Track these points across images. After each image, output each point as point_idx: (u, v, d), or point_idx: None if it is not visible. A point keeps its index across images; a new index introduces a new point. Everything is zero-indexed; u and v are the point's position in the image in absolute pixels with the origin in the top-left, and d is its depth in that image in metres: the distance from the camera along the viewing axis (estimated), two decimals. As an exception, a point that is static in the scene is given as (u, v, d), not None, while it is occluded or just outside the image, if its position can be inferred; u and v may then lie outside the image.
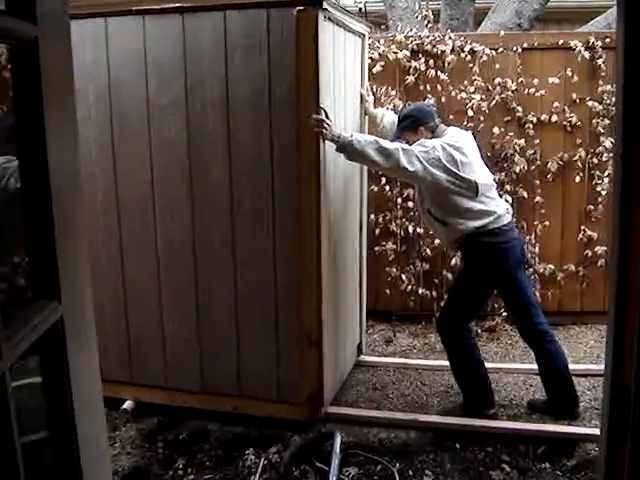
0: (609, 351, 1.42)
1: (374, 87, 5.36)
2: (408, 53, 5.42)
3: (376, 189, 5.58)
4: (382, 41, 5.46)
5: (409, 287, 5.69)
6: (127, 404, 4.39)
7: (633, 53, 1.27)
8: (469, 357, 4.28)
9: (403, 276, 5.69)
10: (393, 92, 5.46)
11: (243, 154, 3.88)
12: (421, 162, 3.87)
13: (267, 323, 4.05)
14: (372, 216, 5.63)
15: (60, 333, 1.24)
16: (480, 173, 4.10)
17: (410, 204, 5.60)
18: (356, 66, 4.69)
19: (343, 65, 4.33)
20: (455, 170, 3.94)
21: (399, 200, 5.62)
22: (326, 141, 3.82)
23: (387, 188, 5.59)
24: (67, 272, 1.26)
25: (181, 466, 3.91)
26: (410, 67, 5.43)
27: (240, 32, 3.73)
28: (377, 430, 4.16)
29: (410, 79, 5.44)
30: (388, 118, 4.72)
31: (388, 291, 5.67)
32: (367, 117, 4.90)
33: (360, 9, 6.85)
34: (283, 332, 4.05)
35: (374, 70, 5.39)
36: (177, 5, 3.75)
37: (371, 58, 5.38)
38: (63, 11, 1.35)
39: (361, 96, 4.83)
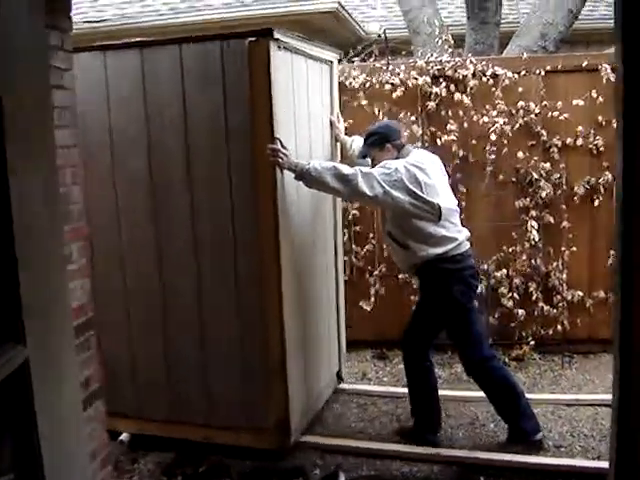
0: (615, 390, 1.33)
1: (391, 113, 5.33)
2: (429, 79, 5.37)
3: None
4: (403, 67, 5.41)
5: (434, 315, 5.56)
6: (123, 436, 4.37)
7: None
8: (422, 380, 4.27)
9: (427, 304, 5.56)
10: (413, 117, 5.40)
11: (203, 182, 3.95)
12: (382, 185, 3.82)
13: (233, 350, 4.05)
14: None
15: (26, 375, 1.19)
16: (444, 197, 4.05)
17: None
18: (324, 93, 4.71)
19: (306, 93, 4.35)
20: (418, 192, 3.89)
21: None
22: (284, 170, 3.84)
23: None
24: (34, 316, 1.21)
25: (200, 500, 3.84)
26: (431, 92, 5.38)
27: (196, 65, 3.83)
28: (400, 464, 4.05)
29: (431, 105, 5.38)
30: (358, 143, 4.61)
31: (412, 320, 5.55)
32: (338, 144, 4.89)
33: (379, 35, 6.82)
34: (249, 359, 4.04)
35: (394, 96, 5.35)
36: (137, 40, 3.96)
37: (391, 84, 5.36)
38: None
39: (331, 123, 4.82)
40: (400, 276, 5.57)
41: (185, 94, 3.88)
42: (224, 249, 3.95)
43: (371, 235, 5.69)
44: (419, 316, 4.25)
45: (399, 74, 5.39)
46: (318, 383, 4.68)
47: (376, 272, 5.71)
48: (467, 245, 4.11)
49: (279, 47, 3.80)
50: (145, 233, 4.09)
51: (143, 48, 3.91)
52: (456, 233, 4.05)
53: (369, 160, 4.24)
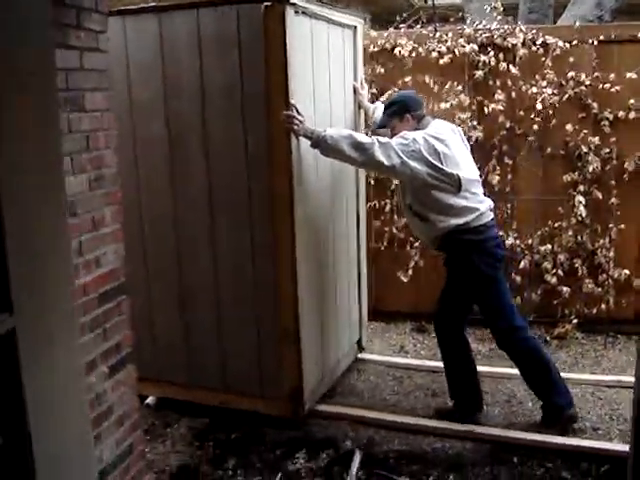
0: None
1: (439, 81, 5.20)
2: (476, 47, 5.20)
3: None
4: (450, 34, 5.25)
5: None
6: (150, 399, 4.44)
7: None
8: (459, 360, 4.22)
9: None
10: (459, 87, 5.24)
11: (218, 148, 3.94)
12: (399, 156, 3.75)
13: (247, 316, 4.06)
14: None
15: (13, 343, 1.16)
16: (464, 167, 3.95)
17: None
18: (347, 59, 4.63)
19: (327, 59, 4.28)
20: (437, 163, 3.80)
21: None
22: (300, 137, 3.80)
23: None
24: (23, 285, 1.17)
25: (231, 466, 3.85)
26: (479, 61, 5.21)
27: (212, 29, 3.78)
28: (432, 439, 4.01)
29: (479, 74, 5.22)
30: (380, 111, 4.50)
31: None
32: (362, 110, 4.82)
33: (425, 0, 6.63)
34: (263, 326, 4.05)
35: (441, 63, 5.20)
36: (154, 5, 3.95)
37: (438, 52, 5.20)
38: None
39: (355, 89, 4.73)
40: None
41: (202, 60, 3.84)
42: (240, 213, 3.96)
43: (412, 207, 5.58)
44: (448, 292, 4.18)
45: (446, 42, 5.23)
46: (337, 351, 4.66)
47: (417, 244, 5.62)
48: (490, 215, 4.02)
49: (296, 12, 3.73)
50: (162, 204, 4.12)
51: (161, 13, 3.89)
52: (477, 203, 3.96)
53: (388, 131, 4.14)
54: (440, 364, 4.80)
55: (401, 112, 4.07)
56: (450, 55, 5.22)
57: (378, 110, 4.60)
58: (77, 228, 2.83)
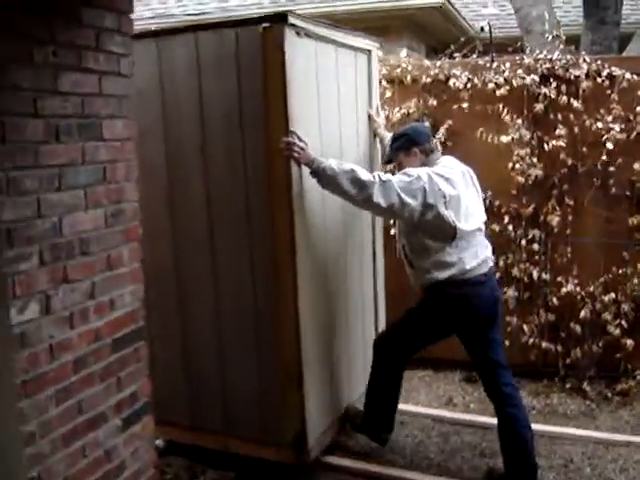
0: None
1: (495, 114, 4.88)
2: (537, 78, 4.85)
3: (497, 228, 5.03)
4: (508, 64, 4.92)
5: (531, 339, 5.07)
6: (158, 442, 4.01)
7: None
8: (389, 386, 4.00)
9: (525, 327, 5.08)
10: (519, 120, 4.90)
11: (218, 175, 3.73)
12: (399, 195, 3.47)
13: (248, 360, 3.82)
14: (491, 258, 5.08)
15: None
16: (466, 215, 3.64)
17: (536, 246, 5.02)
18: (360, 85, 4.38)
19: (336, 84, 4.05)
20: (437, 206, 3.51)
21: (523, 242, 5.03)
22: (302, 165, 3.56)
23: (510, 228, 5.03)
24: None
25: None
26: (539, 94, 4.86)
27: (211, 54, 3.62)
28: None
29: (539, 107, 4.86)
30: None
31: (507, 342, 5.05)
32: (377, 139, 4.54)
33: (482, 28, 6.33)
34: (264, 369, 3.80)
35: (497, 94, 4.88)
36: (152, 30, 3.81)
37: (495, 83, 4.88)
38: None
39: (369, 117, 4.46)
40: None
41: (201, 86, 3.67)
42: (240, 251, 3.72)
43: (466, 247, 5.23)
44: (410, 325, 3.89)
45: (504, 72, 4.89)
46: (350, 393, 4.35)
47: (469, 287, 5.25)
48: (483, 269, 3.69)
49: (298, 34, 3.51)
50: (161, 215, 3.89)
51: (159, 37, 3.74)
52: (469, 257, 3.63)
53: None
54: (492, 420, 4.44)
55: (408, 146, 3.79)
56: (508, 87, 4.88)
57: None
58: (89, 268, 2.60)
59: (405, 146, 3.80)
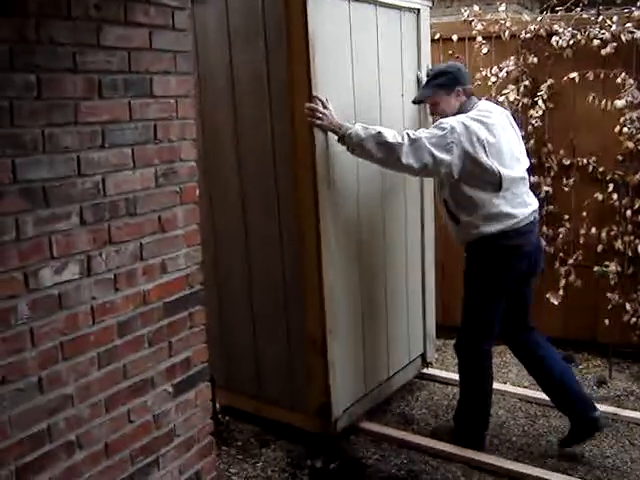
0: None
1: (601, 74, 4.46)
2: (649, 32, 4.40)
3: (600, 197, 4.66)
4: (615, 18, 4.48)
5: (633, 319, 4.68)
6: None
7: None
8: (480, 383, 3.75)
9: (627, 305, 4.69)
10: (631, 80, 4.46)
11: (249, 144, 3.70)
12: (432, 153, 3.30)
13: (278, 324, 3.82)
14: (593, 230, 4.72)
15: None
16: (509, 161, 3.45)
17: (643, 218, 4.62)
18: (406, 46, 4.11)
19: (376, 46, 3.83)
20: (478, 155, 3.33)
21: (628, 213, 4.63)
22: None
23: (614, 197, 4.64)
24: None
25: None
26: (651, 50, 4.41)
27: (239, 17, 3.55)
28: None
29: (651, 65, 4.42)
30: None
31: (607, 321, 4.71)
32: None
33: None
34: (293, 336, 3.79)
35: (603, 53, 4.45)
36: None
37: (601, 39, 4.45)
38: None
39: (418, 80, 4.16)
40: (595, 268, 4.72)
41: (231, 51, 3.62)
42: (269, 209, 3.70)
43: (567, 217, 4.88)
44: (472, 302, 3.67)
45: (611, 27, 4.46)
46: (391, 366, 4.26)
47: (570, 260, 4.90)
48: (530, 219, 3.53)
49: None
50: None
51: (193, 3, 3.60)
52: (517, 208, 3.48)
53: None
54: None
55: (452, 84, 3.59)
56: (615, 43, 4.44)
57: None
58: (137, 229, 2.51)
59: (448, 84, 3.59)
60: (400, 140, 3.32)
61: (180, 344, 2.75)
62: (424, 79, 4.02)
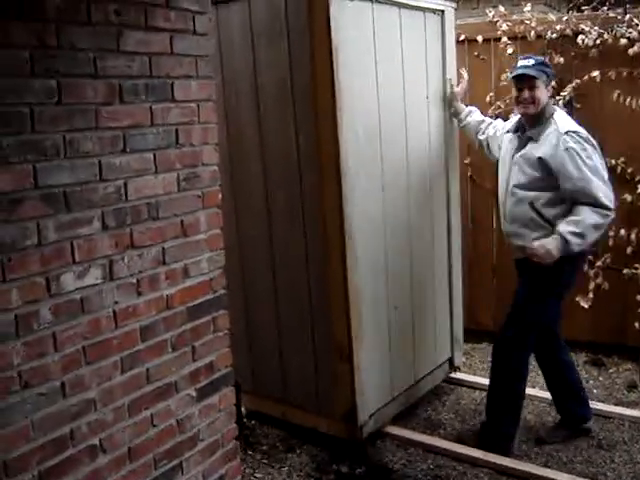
0: None
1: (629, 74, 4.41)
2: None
3: (629, 198, 4.58)
4: (642, 16, 4.41)
5: (664, 321, 4.60)
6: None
7: None
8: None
9: (657, 308, 4.61)
10: (658, 81, 4.40)
11: (273, 149, 3.69)
12: (607, 185, 3.44)
13: (304, 329, 3.80)
14: (622, 231, 4.64)
15: None
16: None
17: (674, 219, 4.53)
18: (431, 49, 4.07)
19: (400, 49, 3.80)
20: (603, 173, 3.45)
21: (659, 213, 4.54)
22: (359, 129, 3.50)
23: (644, 197, 4.56)
24: None
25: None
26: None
27: (263, 20, 3.54)
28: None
29: (680, 64, 4.34)
30: (476, 117, 4.14)
31: (637, 324, 4.63)
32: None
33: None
34: (319, 340, 3.77)
35: (630, 52, 4.38)
36: None
37: (628, 38, 4.39)
38: None
39: (452, 87, 4.21)
40: (625, 271, 4.64)
41: (255, 53, 3.61)
42: (293, 214, 3.68)
43: (595, 219, 4.80)
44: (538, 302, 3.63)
45: (637, 25, 4.38)
46: (418, 372, 4.22)
47: (599, 263, 4.82)
48: None
49: None
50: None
51: (218, 4, 3.66)
52: None
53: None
54: (611, 409, 4.10)
55: (551, 77, 3.62)
56: (642, 42, 4.38)
57: (474, 114, 4.15)
58: (159, 233, 2.52)
59: (549, 75, 3.57)
60: (605, 214, 3.37)
61: (204, 348, 2.74)
62: (453, 86, 4.18)
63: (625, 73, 4.46)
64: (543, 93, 3.49)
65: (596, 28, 4.51)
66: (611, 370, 4.74)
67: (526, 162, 3.51)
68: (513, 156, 3.61)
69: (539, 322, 3.67)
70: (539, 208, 3.48)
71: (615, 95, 4.46)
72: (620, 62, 4.47)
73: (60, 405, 2.18)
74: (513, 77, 3.57)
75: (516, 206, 3.57)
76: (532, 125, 3.55)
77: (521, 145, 3.59)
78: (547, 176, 3.44)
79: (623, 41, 4.40)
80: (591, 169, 3.37)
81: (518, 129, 3.67)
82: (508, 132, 3.77)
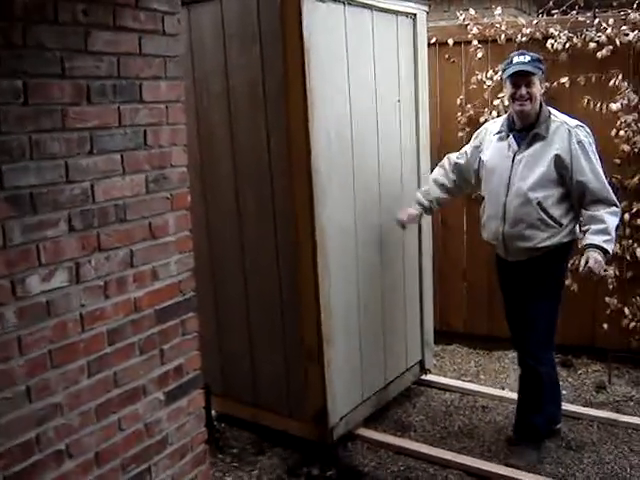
0: None
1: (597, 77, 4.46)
2: (645, 34, 4.37)
3: (597, 201, 4.61)
4: (611, 21, 4.46)
5: (632, 323, 4.64)
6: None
7: None
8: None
9: (626, 309, 4.66)
10: (625, 83, 4.43)
11: (244, 150, 3.69)
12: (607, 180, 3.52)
13: (275, 332, 3.80)
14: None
15: None
16: None
17: (640, 221, 4.58)
18: (402, 52, 4.10)
19: (372, 51, 3.83)
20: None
21: (627, 216, 4.59)
22: (330, 132, 3.51)
23: (612, 200, 4.59)
24: None
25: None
26: (646, 52, 4.39)
27: (235, 21, 3.55)
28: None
29: (646, 67, 4.40)
30: (431, 185, 3.98)
31: (605, 326, 4.69)
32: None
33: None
34: (290, 343, 3.77)
35: (599, 55, 4.43)
36: None
37: (597, 42, 4.44)
38: None
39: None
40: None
41: (226, 55, 3.61)
42: (265, 216, 3.69)
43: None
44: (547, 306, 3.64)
45: (606, 29, 4.44)
46: (388, 374, 4.23)
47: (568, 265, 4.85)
48: None
49: None
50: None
51: (189, 5, 3.66)
52: None
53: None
54: (584, 410, 4.14)
55: (544, 74, 3.60)
56: (611, 46, 4.42)
57: (428, 187, 3.98)
58: (127, 236, 2.49)
59: (543, 71, 3.55)
60: (615, 204, 3.48)
61: (172, 352, 2.72)
62: None
63: (597, 77, 4.51)
64: (539, 90, 3.47)
65: (565, 32, 4.55)
66: (580, 371, 4.79)
67: (536, 161, 3.45)
68: (514, 156, 3.52)
69: (555, 318, 3.70)
70: (548, 207, 3.45)
71: (585, 101, 4.51)
72: (589, 65, 4.54)
73: (26, 409, 2.15)
74: (511, 74, 3.48)
75: (522, 207, 3.48)
76: (532, 123, 3.49)
77: (525, 144, 3.51)
78: (558, 173, 3.43)
79: (592, 45, 4.45)
80: (598, 163, 3.44)
81: (512, 129, 3.59)
82: (499, 133, 3.64)
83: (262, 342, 3.88)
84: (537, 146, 3.47)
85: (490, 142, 3.69)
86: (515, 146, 3.53)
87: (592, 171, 3.40)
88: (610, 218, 3.38)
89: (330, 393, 3.66)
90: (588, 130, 3.50)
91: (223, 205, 3.84)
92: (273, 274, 3.72)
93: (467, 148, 3.87)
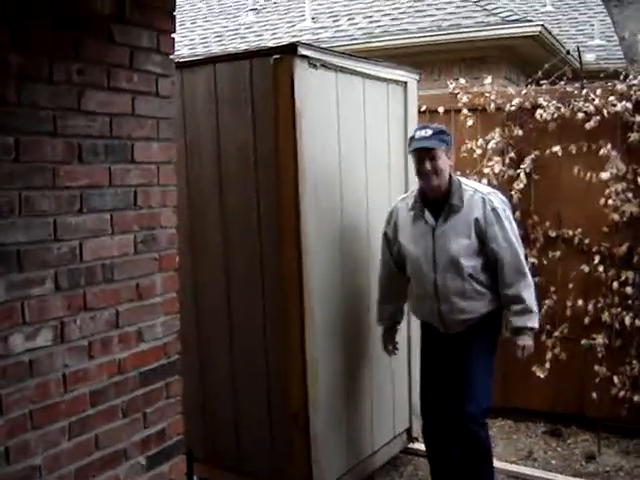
0: None
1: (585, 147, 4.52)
2: (630, 105, 4.46)
3: (587, 269, 4.64)
4: (598, 91, 4.55)
5: (622, 392, 4.60)
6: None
7: None
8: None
9: (615, 378, 4.62)
10: (614, 152, 4.50)
11: (234, 213, 3.69)
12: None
13: (260, 397, 3.71)
14: (580, 302, 4.68)
15: None
16: None
17: (629, 290, 4.57)
18: (393, 119, 4.14)
19: (363, 118, 3.87)
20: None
21: (615, 284, 4.60)
22: (320, 196, 3.52)
23: (600, 269, 4.62)
24: None
25: None
26: (634, 122, 4.46)
27: (228, 85, 3.59)
28: None
29: (634, 136, 4.46)
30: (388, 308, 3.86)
31: (594, 395, 4.64)
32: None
33: (567, 51, 5.90)
34: (275, 409, 3.68)
35: (587, 127, 4.51)
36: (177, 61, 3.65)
37: (585, 112, 4.51)
38: None
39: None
40: (583, 341, 4.68)
41: (218, 117, 3.63)
42: (253, 281, 3.65)
43: (553, 288, 4.83)
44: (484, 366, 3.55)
45: (594, 100, 4.53)
46: (374, 442, 4.13)
47: (556, 333, 4.84)
48: None
49: (314, 65, 3.44)
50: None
51: (182, 69, 3.68)
52: None
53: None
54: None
55: (449, 144, 3.50)
56: (598, 116, 4.50)
57: (390, 312, 3.85)
58: (113, 296, 2.46)
59: (448, 143, 3.46)
60: (525, 273, 3.46)
61: (155, 415, 2.66)
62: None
63: (585, 148, 4.57)
64: (445, 162, 3.40)
65: (554, 102, 4.63)
66: (569, 441, 4.71)
67: (457, 233, 3.40)
68: (434, 232, 3.44)
69: (493, 377, 3.63)
70: (478, 276, 3.43)
71: (575, 170, 4.56)
72: (577, 135, 4.60)
73: (4, 471, 2.09)
74: (413, 150, 3.44)
75: (454, 281, 3.42)
76: (444, 194, 3.43)
77: (442, 217, 3.43)
78: (479, 241, 3.40)
79: (580, 115, 4.52)
80: (513, 230, 3.43)
81: (426, 203, 3.49)
82: (413, 210, 3.53)
83: (247, 407, 3.79)
84: (455, 217, 3.41)
85: (405, 221, 3.59)
86: (432, 221, 3.44)
87: (505, 239, 3.38)
88: (527, 293, 3.41)
89: (315, 461, 3.56)
90: (502, 197, 3.51)
91: (211, 268, 3.80)
92: (259, 338, 3.67)
93: (384, 249, 3.76)
